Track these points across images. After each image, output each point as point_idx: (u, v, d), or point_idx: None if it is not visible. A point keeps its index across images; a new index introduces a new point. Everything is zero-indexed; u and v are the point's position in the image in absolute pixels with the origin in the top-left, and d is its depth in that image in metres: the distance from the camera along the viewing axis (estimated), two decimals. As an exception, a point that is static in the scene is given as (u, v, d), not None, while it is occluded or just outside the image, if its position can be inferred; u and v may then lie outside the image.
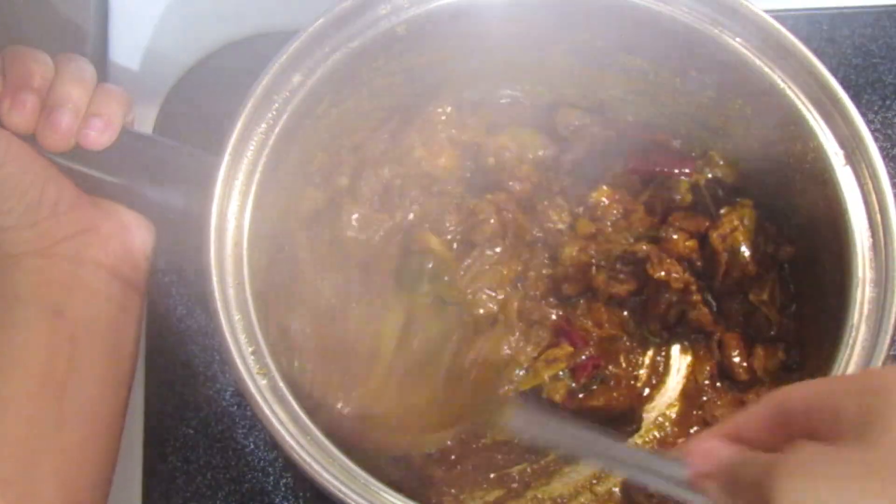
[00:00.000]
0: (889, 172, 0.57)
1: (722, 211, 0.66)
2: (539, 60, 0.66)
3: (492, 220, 0.67)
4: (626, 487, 0.66)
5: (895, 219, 0.56)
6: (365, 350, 0.63)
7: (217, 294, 0.53)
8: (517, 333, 0.66)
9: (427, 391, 0.63)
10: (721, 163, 0.68)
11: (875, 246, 0.56)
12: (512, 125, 0.70)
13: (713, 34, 0.59)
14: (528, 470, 0.67)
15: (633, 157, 0.69)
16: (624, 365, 0.68)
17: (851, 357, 0.55)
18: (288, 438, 0.51)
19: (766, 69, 0.58)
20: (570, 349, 0.66)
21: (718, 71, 0.61)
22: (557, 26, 0.63)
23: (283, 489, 0.68)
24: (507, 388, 0.65)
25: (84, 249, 0.56)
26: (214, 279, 0.53)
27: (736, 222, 0.65)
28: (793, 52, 0.58)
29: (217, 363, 0.70)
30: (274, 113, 0.57)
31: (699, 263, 0.67)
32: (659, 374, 0.69)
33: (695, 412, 0.68)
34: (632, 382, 0.68)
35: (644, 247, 0.67)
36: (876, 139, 0.58)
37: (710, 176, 0.68)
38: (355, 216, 0.65)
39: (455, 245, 0.67)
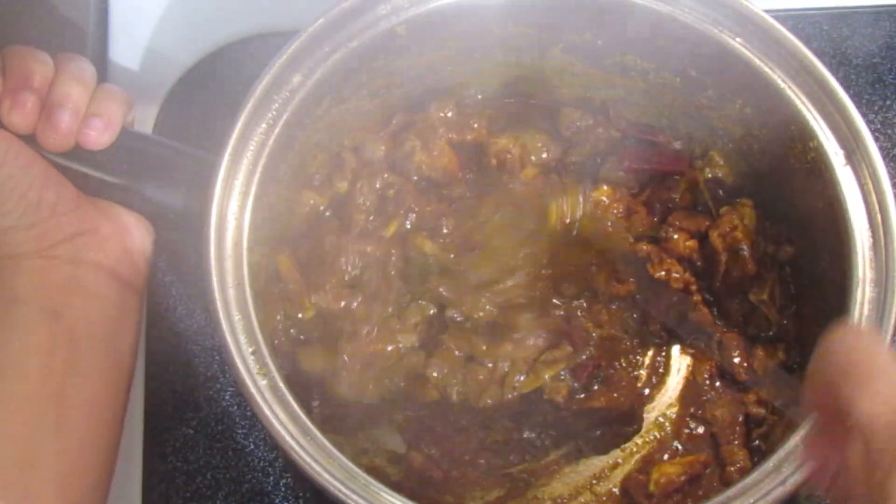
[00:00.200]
0: (889, 172, 0.57)
1: (722, 210, 0.66)
2: (539, 60, 0.66)
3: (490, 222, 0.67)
4: (626, 487, 0.66)
5: (895, 219, 0.56)
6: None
7: (217, 294, 0.53)
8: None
9: None
10: (721, 163, 0.68)
11: (875, 246, 0.56)
12: (514, 126, 0.70)
13: (713, 34, 0.59)
14: (528, 470, 0.67)
15: (632, 156, 0.69)
16: (624, 365, 0.68)
17: (852, 357, 0.55)
18: (288, 438, 0.51)
19: (767, 69, 0.58)
20: (570, 350, 0.66)
21: (719, 71, 0.61)
22: (557, 26, 0.63)
23: (283, 489, 0.68)
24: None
25: (83, 251, 0.56)
26: (214, 279, 0.53)
27: (736, 222, 0.65)
28: (793, 52, 0.58)
29: (217, 363, 0.70)
30: (274, 113, 0.57)
31: (699, 263, 0.67)
32: (659, 374, 0.69)
33: (695, 412, 0.68)
34: (632, 382, 0.68)
35: (644, 247, 0.67)
36: (876, 139, 0.58)
37: (709, 176, 0.68)
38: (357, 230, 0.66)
39: (452, 251, 0.67)
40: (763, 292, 0.66)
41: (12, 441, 0.52)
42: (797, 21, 0.79)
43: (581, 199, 0.68)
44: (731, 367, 0.66)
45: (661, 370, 0.69)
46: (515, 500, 0.66)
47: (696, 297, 0.67)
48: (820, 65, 0.57)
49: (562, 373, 0.66)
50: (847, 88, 0.57)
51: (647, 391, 0.69)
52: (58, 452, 0.53)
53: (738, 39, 0.58)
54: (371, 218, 0.66)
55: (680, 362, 0.70)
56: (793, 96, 0.58)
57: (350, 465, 0.51)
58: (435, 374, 0.65)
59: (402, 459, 0.65)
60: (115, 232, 0.57)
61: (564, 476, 0.67)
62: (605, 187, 0.68)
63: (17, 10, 0.69)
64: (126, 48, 0.77)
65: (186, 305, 0.71)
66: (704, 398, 0.68)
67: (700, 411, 0.68)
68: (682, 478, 0.64)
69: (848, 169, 0.57)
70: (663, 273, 0.66)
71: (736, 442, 0.65)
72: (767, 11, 0.58)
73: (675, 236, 0.67)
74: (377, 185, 0.66)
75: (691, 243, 0.67)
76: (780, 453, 0.52)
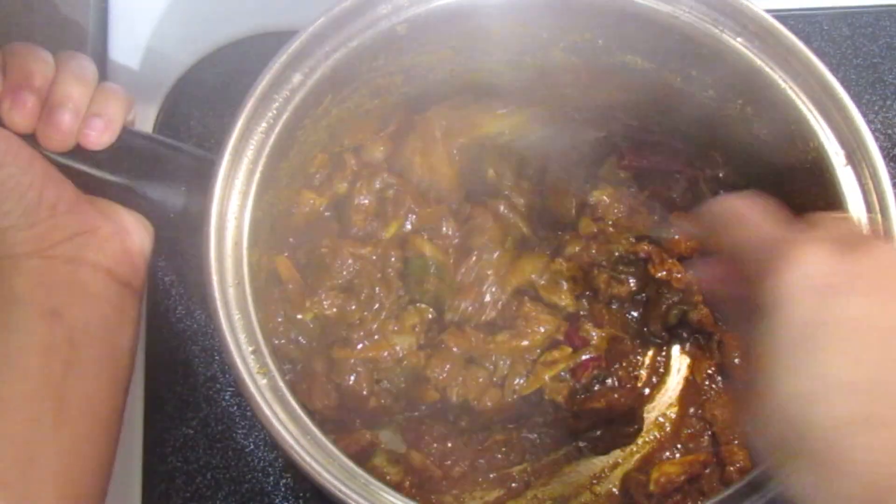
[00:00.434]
0: (889, 172, 0.57)
1: (723, 211, 0.66)
2: (540, 60, 0.66)
3: (489, 225, 0.67)
4: (626, 487, 0.66)
5: (895, 219, 0.56)
6: None
7: (217, 294, 0.53)
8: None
9: None
10: (721, 163, 0.68)
11: (876, 246, 0.56)
12: (513, 130, 0.70)
13: (714, 34, 0.59)
14: (528, 470, 0.67)
15: (630, 156, 0.69)
16: (624, 365, 0.68)
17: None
18: (288, 438, 0.51)
19: (767, 69, 0.58)
20: (570, 350, 0.66)
21: (719, 71, 0.61)
22: (558, 26, 0.63)
23: (283, 489, 0.68)
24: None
25: (82, 251, 0.56)
26: (214, 279, 0.53)
27: None
28: (794, 52, 0.58)
29: (217, 363, 0.70)
30: (274, 113, 0.57)
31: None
32: (659, 375, 0.69)
33: (695, 412, 0.68)
34: (632, 383, 0.68)
35: (645, 247, 0.67)
36: (876, 139, 0.58)
37: (710, 175, 0.68)
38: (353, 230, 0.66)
39: (452, 252, 0.67)
40: (763, 292, 0.66)
41: (11, 440, 0.52)
42: (797, 21, 0.79)
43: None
44: (731, 368, 0.66)
45: (661, 370, 0.69)
46: (515, 500, 0.66)
47: (698, 298, 0.67)
48: (820, 65, 0.57)
49: (562, 373, 0.66)
50: (847, 88, 0.57)
51: (647, 391, 0.69)
52: (57, 452, 0.53)
53: (738, 39, 0.58)
54: (370, 219, 0.66)
55: (680, 362, 0.70)
56: (793, 96, 0.58)
57: (350, 464, 0.51)
58: (435, 375, 0.65)
59: (402, 459, 0.65)
60: (114, 232, 0.57)
61: (564, 476, 0.67)
62: (606, 186, 0.68)
63: (17, 9, 0.69)
64: (126, 48, 0.77)
65: (186, 305, 0.71)
66: (704, 398, 0.68)
67: (700, 411, 0.68)
68: (682, 477, 0.64)
69: (848, 169, 0.57)
70: (664, 273, 0.66)
71: (736, 442, 0.65)
72: (768, 11, 0.58)
73: (677, 237, 0.67)
74: (377, 186, 0.66)
75: (692, 243, 0.67)
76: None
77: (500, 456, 0.67)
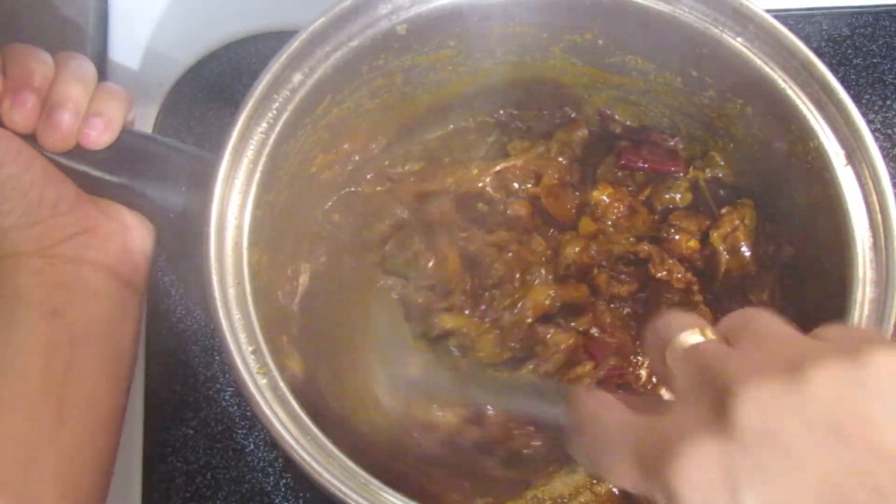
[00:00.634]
0: (890, 172, 0.57)
1: (723, 211, 0.66)
2: (540, 60, 0.66)
3: (496, 265, 0.67)
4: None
5: (895, 218, 0.56)
6: None
7: (217, 294, 0.53)
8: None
9: None
10: (721, 163, 0.68)
11: (875, 246, 0.56)
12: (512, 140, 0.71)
13: (714, 34, 0.59)
14: (529, 471, 0.67)
15: (627, 156, 0.69)
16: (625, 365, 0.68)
17: (852, 357, 0.55)
18: (288, 438, 0.51)
19: (767, 69, 0.58)
20: (591, 364, 0.66)
21: (719, 71, 0.61)
22: (558, 26, 0.63)
23: (283, 489, 0.68)
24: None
25: (84, 250, 0.56)
26: (214, 279, 0.53)
27: (737, 222, 0.65)
28: (794, 52, 0.58)
29: (217, 363, 0.70)
30: (274, 112, 0.57)
31: (699, 264, 0.67)
32: None
33: None
34: (634, 382, 0.68)
35: (646, 247, 0.67)
36: (876, 139, 0.58)
37: (710, 176, 0.68)
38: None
39: (468, 306, 0.67)
40: (763, 293, 0.66)
41: (12, 440, 0.52)
42: (797, 21, 0.79)
43: None
44: None
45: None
46: (514, 501, 0.66)
47: (698, 298, 0.67)
48: (821, 64, 0.57)
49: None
50: (847, 88, 0.57)
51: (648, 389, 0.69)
52: (57, 451, 0.53)
53: (738, 39, 0.58)
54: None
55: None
56: (793, 96, 0.58)
57: (350, 464, 0.51)
58: (439, 416, 0.64)
59: (402, 458, 0.65)
60: (115, 231, 0.57)
61: (564, 476, 0.67)
62: (606, 186, 0.68)
63: (17, 9, 0.69)
64: (126, 48, 0.77)
65: (186, 305, 0.71)
66: None
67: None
68: None
69: (848, 169, 0.57)
70: (665, 273, 0.66)
71: None
72: (768, 11, 0.58)
73: (678, 237, 0.67)
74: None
75: (693, 244, 0.67)
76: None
77: (506, 464, 0.67)
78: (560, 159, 0.70)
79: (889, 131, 0.78)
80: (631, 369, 0.69)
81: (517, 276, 0.67)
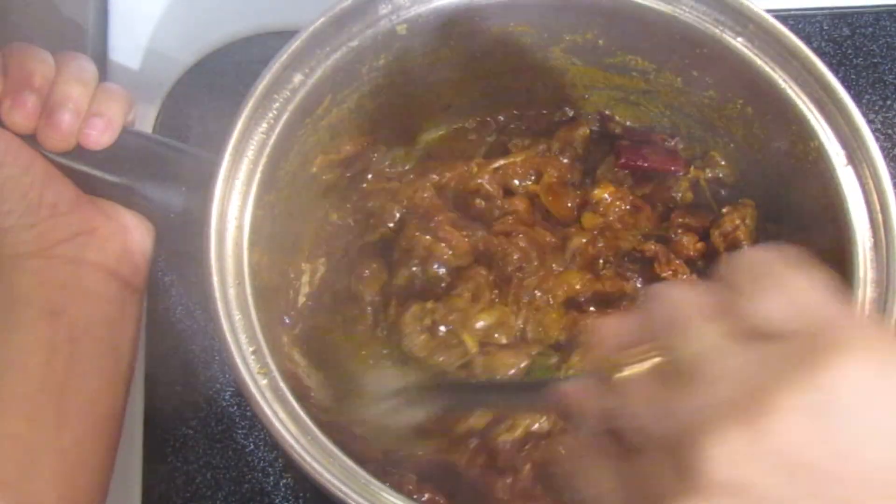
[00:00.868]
0: (890, 172, 0.57)
1: (724, 210, 0.66)
2: (540, 60, 0.66)
3: (509, 250, 0.66)
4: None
5: (895, 218, 0.56)
6: None
7: (217, 294, 0.53)
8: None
9: None
10: (722, 163, 0.68)
11: (876, 246, 0.56)
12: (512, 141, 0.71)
13: (714, 34, 0.59)
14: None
15: (627, 155, 0.69)
16: None
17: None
18: (288, 438, 0.51)
19: (768, 69, 0.58)
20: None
21: (719, 71, 0.61)
22: (558, 26, 0.63)
23: (283, 489, 0.68)
24: None
25: (83, 250, 0.56)
26: (215, 279, 0.53)
27: (737, 221, 0.65)
28: (794, 52, 0.58)
29: (217, 363, 0.70)
30: (274, 113, 0.57)
31: (699, 263, 0.67)
32: None
33: None
34: None
35: (652, 246, 0.67)
36: (877, 139, 0.58)
37: (710, 176, 0.68)
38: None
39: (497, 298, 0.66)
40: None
41: (12, 440, 0.52)
42: (798, 21, 0.79)
43: None
44: None
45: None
46: None
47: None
48: (821, 65, 0.57)
49: None
50: (848, 88, 0.57)
51: None
52: (57, 451, 0.53)
53: (739, 39, 0.58)
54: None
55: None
56: (794, 96, 0.58)
57: (350, 464, 0.51)
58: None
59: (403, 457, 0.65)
60: (115, 231, 0.57)
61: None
62: (607, 184, 0.68)
63: (17, 9, 0.69)
64: (126, 48, 0.77)
65: (186, 305, 0.71)
66: None
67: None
68: None
69: (849, 169, 0.57)
70: (670, 273, 0.66)
71: None
72: (768, 11, 0.58)
73: (685, 239, 0.67)
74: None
75: (700, 245, 0.67)
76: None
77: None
78: (562, 159, 0.70)
79: (889, 131, 0.78)
80: None
81: (534, 254, 0.66)
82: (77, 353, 0.54)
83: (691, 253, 0.67)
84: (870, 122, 0.71)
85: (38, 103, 0.54)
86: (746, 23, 0.58)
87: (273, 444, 0.68)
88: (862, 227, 0.56)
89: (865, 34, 0.80)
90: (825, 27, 0.80)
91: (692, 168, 0.69)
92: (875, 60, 0.79)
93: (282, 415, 0.51)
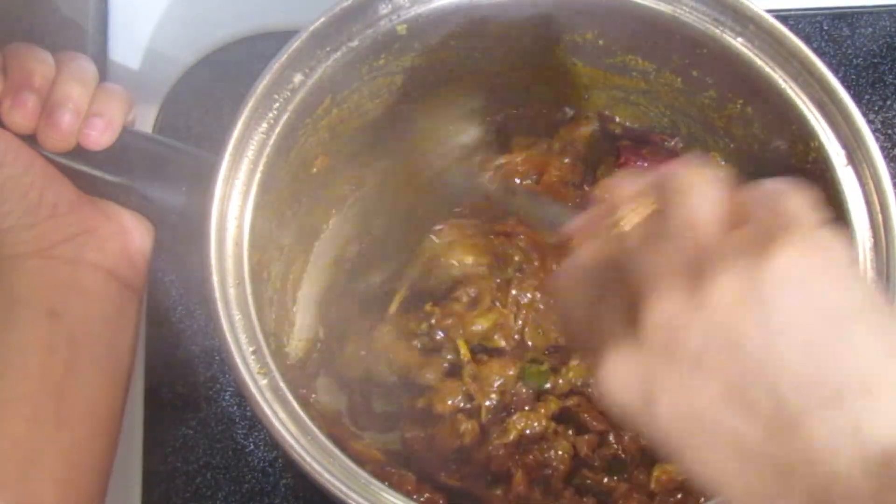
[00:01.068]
0: (890, 172, 0.57)
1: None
2: (541, 60, 0.66)
3: (510, 251, 0.66)
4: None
5: (895, 218, 0.56)
6: None
7: (217, 294, 0.53)
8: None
9: None
10: (722, 163, 0.68)
11: (876, 246, 0.56)
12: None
13: (715, 34, 0.59)
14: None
15: (626, 155, 0.69)
16: None
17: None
18: (288, 438, 0.51)
19: (768, 69, 0.58)
20: None
21: (720, 71, 0.61)
22: (558, 26, 0.63)
23: (283, 489, 0.68)
24: None
25: (83, 251, 0.56)
26: (215, 279, 0.53)
27: None
28: (794, 53, 0.58)
29: (217, 363, 0.70)
30: (275, 112, 0.57)
31: None
32: None
33: None
34: None
35: None
36: (877, 139, 0.58)
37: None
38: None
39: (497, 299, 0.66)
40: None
41: (11, 440, 0.52)
42: (798, 21, 0.79)
43: None
44: None
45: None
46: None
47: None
48: (821, 65, 0.57)
49: None
50: (848, 88, 0.57)
51: None
52: (57, 452, 0.53)
53: (739, 39, 0.58)
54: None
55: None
56: (794, 96, 0.58)
57: (350, 464, 0.51)
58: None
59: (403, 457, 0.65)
60: (115, 232, 0.57)
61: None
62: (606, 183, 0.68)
63: (17, 9, 0.69)
64: (126, 48, 0.77)
65: (186, 306, 0.71)
66: None
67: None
68: (684, 476, 0.64)
69: (849, 169, 0.57)
70: None
71: None
72: (768, 11, 0.58)
73: None
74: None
75: None
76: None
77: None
78: (564, 159, 0.70)
79: (889, 131, 0.78)
80: None
81: (535, 255, 0.66)
82: (76, 353, 0.54)
83: None
84: (870, 122, 0.71)
85: (38, 103, 0.54)
86: (746, 23, 0.58)
87: (273, 444, 0.68)
88: (862, 227, 0.56)
89: (865, 34, 0.80)
90: (825, 27, 0.80)
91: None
92: (875, 60, 0.79)
93: (282, 415, 0.51)
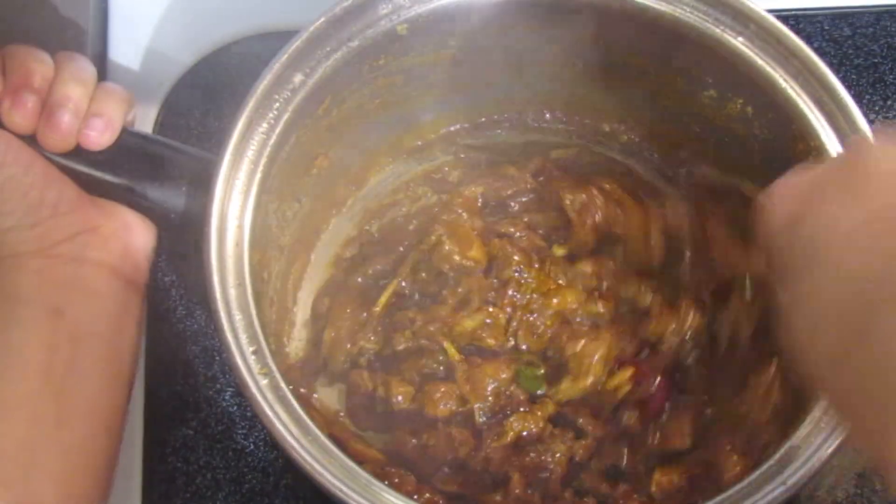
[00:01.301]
0: (890, 172, 0.57)
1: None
2: (541, 60, 0.66)
3: (516, 258, 0.66)
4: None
5: None
6: None
7: (218, 294, 0.53)
8: None
9: None
10: (722, 163, 0.68)
11: (876, 246, 0.56)
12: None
13: (715, 34, 0.59)
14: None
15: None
16: None
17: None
18: (288, 438, 0.51)
19: (768, 69, 0.58)
20: (630, 372, 0.64)
21: (720, 70, 0.61)
22: (559, 26, 0.63)
23: (283, 490, 0.68)
24: None
25: (85, 250, 0.56)
26: (215, 279, 0.53)
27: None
28: (795, 52, 0.58)
29: (217, 363, 0.70)
30: (275, 113, 0.57)
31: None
32: None
33: None
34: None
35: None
36: (877, 139, 0.58)
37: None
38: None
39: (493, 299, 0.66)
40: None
41: (13, 439, 0.52)
42: (798, 21, 0.79)
43: None
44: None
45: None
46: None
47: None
48: (822, 64, 0.57)
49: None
50: (848, 88, 0.57)
51: None
52: (58, 451, 0.53)
53: (739, 39, 0.58)
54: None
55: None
56: (794, 96, 0.58)
57: (351, 465, 0.51)
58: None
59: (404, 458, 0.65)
60: (116, 230, 0.57)
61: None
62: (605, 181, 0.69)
63: (17, 9, 0.69)
64: (126, 48, 0.77)
65: (187, 306, 0.71)
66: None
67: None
68: (683, 479, 0.64)
69: (849, 169, 0.57)
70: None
71: (729, 447, 0.65)
72: (769, 11, 0.58)
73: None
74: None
75: None
76: (781, 452, 0.52)
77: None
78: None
79: (890, 131, 0.78)
80: None
81: (535, 258, 0.66)
82: (78, 352, 0.54)
83: None
84: (870, 122, 0.71)
85: (37, 104, 0.54)
86: (747, 23, 0.58)
87: (273, 445, 0.68)
88: (862, 227, 0.56)
89: (866, 34, 0.80)
90: (826, 27, 0.80)
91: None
92: (875, 60, 0.79)
93: (282, 415, 0.51)
